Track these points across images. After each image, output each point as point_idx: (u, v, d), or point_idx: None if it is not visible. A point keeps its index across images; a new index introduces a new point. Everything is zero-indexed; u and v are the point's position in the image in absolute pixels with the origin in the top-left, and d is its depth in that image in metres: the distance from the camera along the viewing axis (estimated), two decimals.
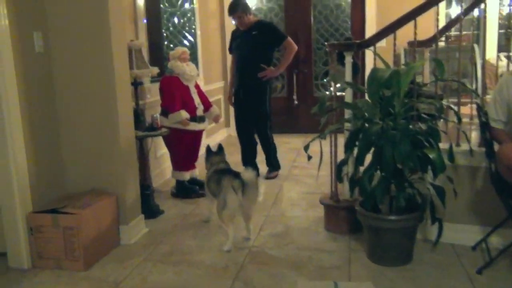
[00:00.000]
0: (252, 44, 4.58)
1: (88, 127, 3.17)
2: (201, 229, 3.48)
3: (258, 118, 4.74)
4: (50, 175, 3.10)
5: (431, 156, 2.60)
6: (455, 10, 6.46)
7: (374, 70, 2.53)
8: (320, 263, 2.86)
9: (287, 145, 6.48)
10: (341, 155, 3.34)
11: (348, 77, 3.18)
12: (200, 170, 4.87)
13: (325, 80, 7.20)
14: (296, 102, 7.15)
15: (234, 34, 4.86)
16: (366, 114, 2.83)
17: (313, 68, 7.15)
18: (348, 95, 3.21)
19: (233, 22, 4.87)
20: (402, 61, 4.98)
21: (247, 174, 3.05)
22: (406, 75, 2.66)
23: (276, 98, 7.32)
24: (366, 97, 2.71)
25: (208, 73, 6.39)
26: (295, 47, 4.69)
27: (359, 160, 2.63)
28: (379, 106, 2.77)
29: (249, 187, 3.02)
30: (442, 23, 6.23)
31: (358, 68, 3.23)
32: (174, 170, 4.33)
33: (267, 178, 4.76)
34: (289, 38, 4.66)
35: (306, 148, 2.97)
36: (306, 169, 5.06)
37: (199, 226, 3.54)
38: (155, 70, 3.72)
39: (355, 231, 3.26)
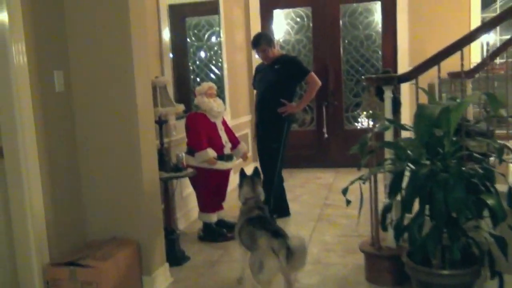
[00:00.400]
0: (274, 78, 4.39)
1: (110, 170, 2.98)
2: (229, 280, 3.21)
3: (269, 155, 4.44)
4: (69, 222, 2.91)
5: (489, 202, 2.29)
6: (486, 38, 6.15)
7: (422, 108, 2.26)
8: None
9: (318, 181, 6.19)
10: (380, 193, 3.09)
11: (388, 113, 2.92)
12: (228, 209, 4.65)
13: (356, 112, 6.94)
14: (326, 135, 6.89)
15: (258, 68, 4.72)
16: (410, 154, 2.56)
17: (343, 100, 6.91)
18: (388, 134, 2.94)
19: (257, 56, 4.69)
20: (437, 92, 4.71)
21: (296, 241, 2.56)
22: (457, 111, 2.39)
23: (305, 131, 7.11)
24: (408, 135, 2.45)
25: (235, 107, 6.22)
26: (319, 82, 4.46)
27: (407, 207, 2.34)
28: (425, 145, 2.50)
29: (296, 255, 2.52)
30: (477, 52, 5.98)
31: (398, 103, 2.97)
32: (200, 211, 4.10)
33: None
34: (313, 73, 4.45)
35: (345, 191, 2.69)
36: (341, 208, 4.74)
37: (226, 277, 3.27)
38: (181, 107, 3.55)
39: (400, 283, 2.93)
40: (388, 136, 2.94)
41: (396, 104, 2.94)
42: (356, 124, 7.02)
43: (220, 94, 5.93)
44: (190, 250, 3.78)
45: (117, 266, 2.73)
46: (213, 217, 4.07)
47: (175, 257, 3.50)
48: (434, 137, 2.37)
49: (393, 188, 2.50)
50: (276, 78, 4.37)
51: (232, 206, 4.97)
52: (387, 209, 2.52)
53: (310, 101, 4.61)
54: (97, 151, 2.99)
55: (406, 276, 2.66)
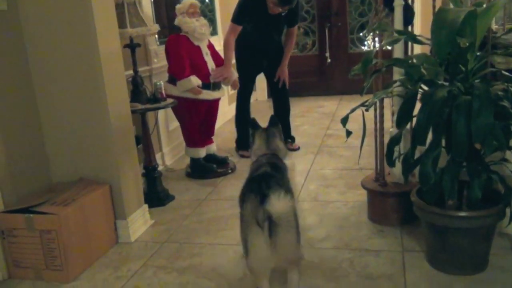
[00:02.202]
0: (282, 24, 4.06)
1: (71, 103, 2.56)
2: (216, 221, 2.87)
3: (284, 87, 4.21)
4: (27, 164, 2.53)
5: None
6: None
7: (443, 12, 1.76)
8: (365, 270, 2.21)
9: (320, 110, 5.76)
10: (386, 121, 2.66)
11: (399, 25, 2.42)
12: (219, 143, 4.27)
13: (361, 34, 6.34)
14: (329, 60, 6.36)
15: (253, 7, 3.83)
16: (425, 73, 2.09)
17: (347, 21, 6.30)
18: (398, 50, 2.45)
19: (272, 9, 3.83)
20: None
21: (274, 202, 1.67)
22: (486, 17, 1.90)
23: (306, 56, 6.56)
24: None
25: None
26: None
27: (420, 138, 1.91)
28: (443, 62, 2.03)
29: (279, 229, 1.69)
30: None
31: (411, 13, 2.45)
32: (187, 146, 3.71)
33: (292, 150, 4.17)
34: None
35: (344, 121, 2.26)
36: (342, 138, 4.32)
37: (214, 218, 2.93)
38: (155, 27, 3.04)
39: (407, 222, 2.59)
40: (398, 52, 2.46)
41: (408, 14, 2.42)
42: (362, 47, 6.46)
43: (208, 14, 5.35)
44: (175, 189, 3.44)
45: (82, 211, 2.38)
46: (202, 152, 3.69)
47: (157, 197, 3.17)
48: (455, 51, 1.89)
49: (403, 116, 2.06)
50: (283, 23, 4.07)
51: (224, 139, 4.60)
52: (395, 140, 2.09)
53: None
54: (53, 81, 2.54)
55: (414, 215, 2.30)
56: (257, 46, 4.00)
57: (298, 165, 3.80)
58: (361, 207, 2.87)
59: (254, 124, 2.37)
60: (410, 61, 2.15)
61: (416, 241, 2.42)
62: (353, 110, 2.23)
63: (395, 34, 2.23)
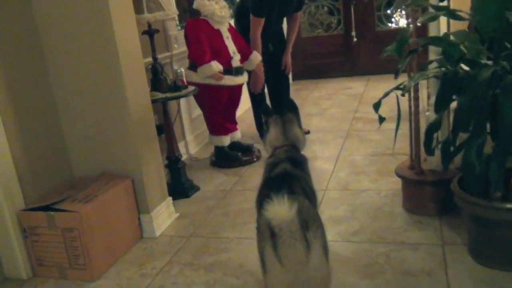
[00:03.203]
0: (289, 11, 3.89)
1: (89, 96, 2.47)
2: (242, 213, 2.77)
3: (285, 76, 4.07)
4: (48, 159, 2.46)
5: None
6: None
7: None
8: (403, 266, 2.06)
9: (347, 92, 5.55)
10: (422, 102, 2.47)
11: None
12: (243, 130, 4.15)
13: (388, 10, 6.07)
14: (355, 39, 6.12)
15: None
16: (465, 52, 1.90)
17: None
18: (433, 27, 2.26)
19: None
20: None
21: (276, 208, 1.38)
22: None
23: (331, 36, 6.34)
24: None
25: None
26: None
27: (463, 124, 1.74)
28: (487, 39, 1.84)
29: (300, 241, 1.39)
30: None
31: None
32: (211, 134, 3.60)
33: None
34: None
35: (377, 106, 2.10)
36: (372, 123, 4.16)
37: (239, 210, 2.83)
38: (173, 11, 2.92)
39: (446, 212, 2.42)
40: (433, 30, 2.26)
41: None
42: (389, 24, 6.19)
43: None
44: (200, 179, 3.35)
45: (104, 207, 2.30)
46: (226, 140, 3.57)
47: (182, 189, 3.08)
48: (502, 26, 1.70)
49: (442, 99, 1.89)
50: (293, 9, 3.91)
51: (249, 125, 4.47)
52: (434, 127, 1.92)
53: None
54: (69, 74, 2.45)
55: (453, 205, 2.14)
56: (266, 32, 3.75)
57: (326, 151, 3.66)
58: (395, 196, 2.71)
59: (267, 110, 2.14)
60: (448, 39, 1.96)
61: (457, 233, 2.26)
62: (386, 94, 2.06)
63: (431, 10, 2.03)
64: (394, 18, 6.22)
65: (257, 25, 3.64)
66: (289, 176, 1.76)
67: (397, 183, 2.71)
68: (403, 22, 6.18)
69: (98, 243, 2.25)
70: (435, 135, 1.98)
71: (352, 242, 2.32)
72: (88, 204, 2.21)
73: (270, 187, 1.69)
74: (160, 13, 2.77)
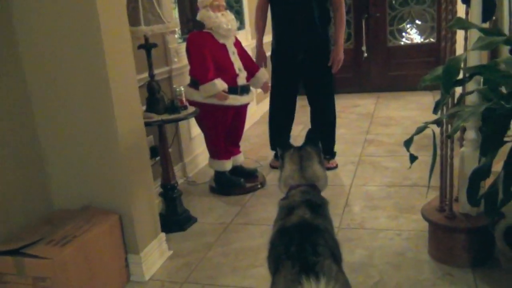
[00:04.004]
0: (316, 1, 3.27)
1: (72, 118, 2.15)
2: (244, 253, 2.44)
3: (325, 86, 3.49)
4: (22, 191, 2.13)
5: None
6: None
7: None
8: None
9: (356, 110, 5.24)
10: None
11: (476, 19, 1.91)
12: (247, 152, 3.84)
13: (403, 25, 5.78)
14: (365, 54, 5.82)
15: None
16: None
17: (386, 11, 5.74)
18: (474, 55, 1.94)
19: None
20: None
21: None
22: None
23: None
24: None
25: None
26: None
27: None
28: None
29: None
30: None
31: (493, 4, 1.93)
32: (211, 158, 3.28)
33: (328, 169, 3.42)
34: None
35: (408, 144, 1.77)
36: (385, 145, 3.85)
37: (241, 249, 2.49)
38: (173, 24, 2.60)
39: (480, 263, 2.10)
40: (474, 56, 1.95)
41: (489, 6, 1.90)
42: (402, 39, 5.90)
43: (235, 5, 4.88)
44: (197, 208, 3.02)
45: (84, 250, 1.97)
46: (227, 165, 3.25)
47: (177, 221, 2.75)
48: None
49: (491, 140, 1.56)
50: None
51: (252, 145, 4.16)
52: (482, 173, 1.59)
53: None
54: (51, 92, 2.13)
55: (488, 255, 1.82)
56: (286, 31, 3.33)
57: (336, 179, 3.34)
58: (419, 239, 2.39)
59: (284, 142, 1.82)
60: (499, 69, 1.64)
61: None
62: (421, 130, 1.73)
63: (477, 33, 1.72)
64: (407, 33, 5.93)
65: (257, 5, 3.42)
66: (309, 227, 1.44)
67: (420, 222, 2.40)
68: (417, 38, 5.89)
69: None
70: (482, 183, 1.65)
71: None
72: (64, 248, 1.88)
73: (288, 244, 1.38)
74: (159, 26, 2.46)
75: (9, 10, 2.05)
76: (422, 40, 5.84)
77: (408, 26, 5.87)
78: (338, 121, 4.72)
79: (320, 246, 1.33)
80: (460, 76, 1.57)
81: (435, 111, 1.66)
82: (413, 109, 4.91)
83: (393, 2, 5.72)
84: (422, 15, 5.76)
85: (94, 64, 2.02)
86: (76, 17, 1.99)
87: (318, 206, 1.58)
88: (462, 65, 1.54)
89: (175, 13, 4.06)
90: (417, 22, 5.84)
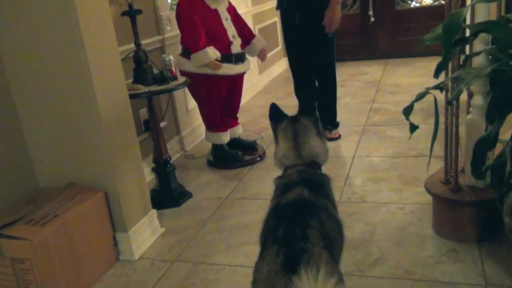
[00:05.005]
0: None
1: (50, 91, 2.02)
2: (238, 230, 2.33)
3: (322, 50, 3.25)
4: (5, 169, 2.03)
5: None
6: None
7: None
8: None
9: (363, 78, 5.04)
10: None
11: None
12: (245, 123, 3.71)
13: None
14: (372, 19, 5.57)
15: None
16: None
17: None
18: (481, 10, 1.76)
19: None
20: None
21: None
22: None
23: (346, 15, 5.73)
24: None
25: None
26: None
27: None
28: None
29: None
30: None
31: None
32: (207, 131, 3.15)
33: (330, 139, 3.31)
34: None
35: (408, 111, 1.62)
36: (392, 114, 3.69)
37: (236, 225, 2.39)
38: None
39: (487, 238, 1.97)
40: (481, 13, 1.76)
41: None
42: (410, 1, 5.62)
43: None
44: (193, 182, 2.92)
45: (66, 230, 1.88)
46: (225, 137, 3.12)
47: (171, 196, 2.65)
48: None
49: (500, 105, 1.40)
50: None
51: (253, 116, 4.02)
52: (488, 143, 1.43)
53: None
54: (26, 64, 2.00)
55: (496, 229, 1.69)
56: None
57: (339, 150, 3.20)
58: (423, 213, 2.25)
59: (275, 113, 1.61)
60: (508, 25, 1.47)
61: (504, 269, 1.80)
62: (421, 97, 1.57)
63: None
64: None
65: None
66: (306, 206, 1.32)
67: (424, 195, 2.25)
68: (426, 1, 5.62)
69: (59, 274, 1.84)
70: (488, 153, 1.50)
71: (371, 277, 1.87)
72: (44, 228, 1.79)
73: (279, 220, 1.27)
74: None
75: None
76: (432, 2, 5.57)
77: None
78: (344, 89, 4.59)
79: (312, 229, 1.21)
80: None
81: (435, 75, 1.49)
82: (422, 75, 4.69)
83: None
84: None
85: (70, 34, 1.88)
86: None
87: (318, 185, 1.45)
88: (468, 22, 1.38)
89: None
90: None
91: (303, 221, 1.21)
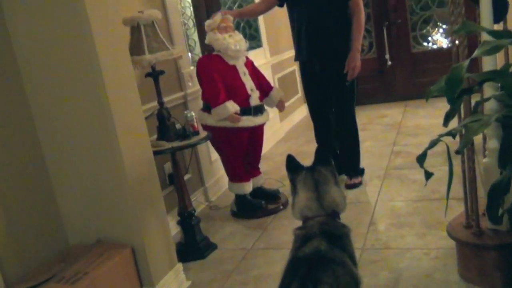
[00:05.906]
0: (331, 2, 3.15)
1: (78, 152, 2.14)
2: (263, 281, 2.35)
3: (341, 98, 3.32)
4: (37, 229, 2.13)
5: None
6: None
7: None
8: None
9: (383, 121, 5.08)
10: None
11: (487, 21, 1.78)
12: (268, 171, 3.76)
13: (426, 29, 5.61)
14: (389, 62, 5.67)
15: None
16: None
17: (408, 16, 5.59)
18: (489, 61, 1.81)
19: None
20: None
21: None
22: None
23: (363, 60, 5.82)
24: None
25: (275, 39, 5.12)
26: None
27: None
28: None
29: None
30: None
31: (505, 4, 1.81)
32: (230, 181, 3.22)
33: (350, 186, 3.30)
34: None
35: (422, 159, 1.66)
36: (414, 156, 3.65)
37: (262, 276, 2.41)
38: (178, 50, 2.57)
39: None
40: (489, 61, 1.82)
41: (500, 6, 1.78)
42: (426, 44, 5.71)
43: (251, 26, 4.86)
44: (218, 234, 2.96)
45: (95, 286, 1.93)
46: (247, 187, 3.18)
47: (196, 249, 2.70)
48: None
49: (509, 152, 1.43)
50: None
51: (276, 164, 4.08)
52: (501, 188, 1.46)
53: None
54: (56, 127, 2.13)
55: None
56: (302, 38, 3.20)
57: (361, 196, 3.21)
58: (448, 257, 2.23)
59: (292, 164, 1.63)
60: None
61: None
62: (433, 144, 1.62)
63: (486, 36, 1.60)
64: (432, 37, 5.74)
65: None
66: (322, 260, 1.33)
67: (448, 239, 2.22)
68: (442, 42, 5.70)
69: None
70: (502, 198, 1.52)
71: None
72: (75, 286, 1.85)
73: (293, 275, 1.30)
74: (162, 53, 2.45)
75: (11, 50, 2.08)
76: (448, 41, 5.65)
77: (435, 29, 5.69)
78: (364, 133, 4.63)
79: (324, 284, 1.23)
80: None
81: (445, 123, 1.54)
82: (442, 116, 4.69)
83: (414, 6, 5.56)
84: (446, 17, 5.58)
85: (96, 98, 2.01)
86: (75, 54, 1.99)
87: (338, 238, 1.46)
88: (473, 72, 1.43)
89: (195, 36, 4.07)
90: (440, 24, 5.65)
91: (317, 276, 1.23)
